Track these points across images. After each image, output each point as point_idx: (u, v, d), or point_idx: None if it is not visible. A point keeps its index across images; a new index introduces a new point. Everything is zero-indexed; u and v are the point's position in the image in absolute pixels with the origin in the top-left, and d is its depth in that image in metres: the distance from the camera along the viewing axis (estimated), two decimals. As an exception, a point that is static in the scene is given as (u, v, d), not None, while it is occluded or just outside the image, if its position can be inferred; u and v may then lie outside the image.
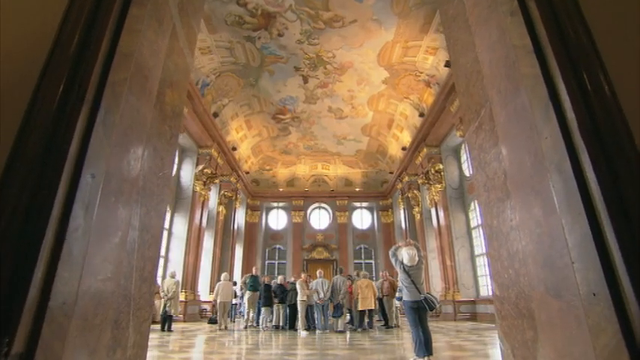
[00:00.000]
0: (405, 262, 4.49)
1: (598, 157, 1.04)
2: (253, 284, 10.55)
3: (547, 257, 1.17)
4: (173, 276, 9.58)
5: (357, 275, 11.06)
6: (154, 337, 7.65)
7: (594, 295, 0.98)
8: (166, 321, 8.79)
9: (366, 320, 10.49)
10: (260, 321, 10.36)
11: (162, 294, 9.35)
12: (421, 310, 4.40)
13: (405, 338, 7.62)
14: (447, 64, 11.46)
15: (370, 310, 9.61)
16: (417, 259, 4.49)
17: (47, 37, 1.16)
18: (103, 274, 1.16)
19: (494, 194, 1.55)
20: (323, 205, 23.37)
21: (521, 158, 1.32)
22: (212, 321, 11.97)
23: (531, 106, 1.26)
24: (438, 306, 4.61)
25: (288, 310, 10.12)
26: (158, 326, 9.29)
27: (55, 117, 1.05)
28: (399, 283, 4.48)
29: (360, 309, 9.41)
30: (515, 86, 1.37)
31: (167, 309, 8.83)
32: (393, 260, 4.58)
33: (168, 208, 13.71)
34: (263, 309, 10.26)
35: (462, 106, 1.92)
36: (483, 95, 1.69)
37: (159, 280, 11.70)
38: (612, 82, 1.12)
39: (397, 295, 4.41)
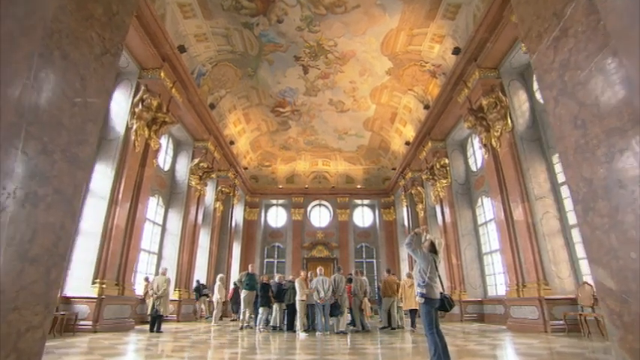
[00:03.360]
0: (431, 250, 3.91)
1: None
2: (250, 283, 10.01)
3: None
4: (164, 273, 9.02)
5: (357, 274, 10.54)
6: (141, 338, 7.10)
7: None
8: (155, 321, 8.24)
9: (368, 321, 10.02)
10: (257, 321, 9.80)
11: (150, 292, 8.80)
12: (436, 310, 3.85)
13: (412, 342, 7.06)
14: (455, 52, 10.88)
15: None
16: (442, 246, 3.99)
17: None
18: None
19: (598, 128, 0.98)
20: (323, 202, 22.85)
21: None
22: (212, 317, 12.62)
23: None
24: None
25: (286, 310, 9.59)
26: (147, 327, 8.76)
27: None
28: (419, 278, 3.82)
29: (404, 309, 9.54)
30: None
31: (156, 308, 8.28)
32: (409, 250, 3.96)
33: (161, 203, 13.41)
34: (261, 309, 9.72)
35: (525, 18, 1.35)
36: (569, -13, 1.12)
37: (150, 278, 11.16)
38: None
39: (419, 291, 3.80)
